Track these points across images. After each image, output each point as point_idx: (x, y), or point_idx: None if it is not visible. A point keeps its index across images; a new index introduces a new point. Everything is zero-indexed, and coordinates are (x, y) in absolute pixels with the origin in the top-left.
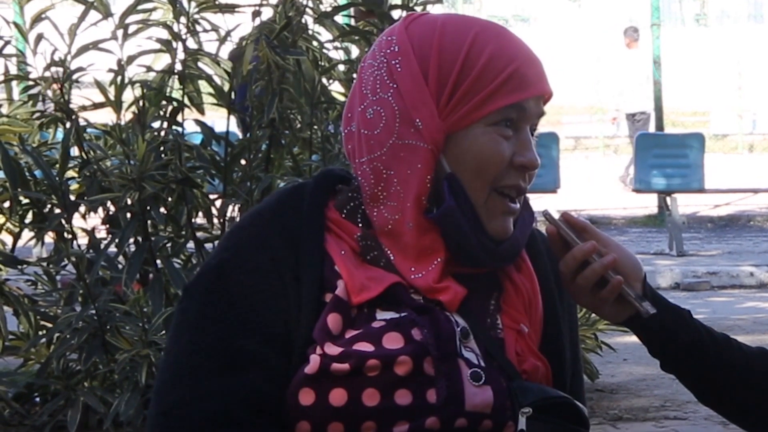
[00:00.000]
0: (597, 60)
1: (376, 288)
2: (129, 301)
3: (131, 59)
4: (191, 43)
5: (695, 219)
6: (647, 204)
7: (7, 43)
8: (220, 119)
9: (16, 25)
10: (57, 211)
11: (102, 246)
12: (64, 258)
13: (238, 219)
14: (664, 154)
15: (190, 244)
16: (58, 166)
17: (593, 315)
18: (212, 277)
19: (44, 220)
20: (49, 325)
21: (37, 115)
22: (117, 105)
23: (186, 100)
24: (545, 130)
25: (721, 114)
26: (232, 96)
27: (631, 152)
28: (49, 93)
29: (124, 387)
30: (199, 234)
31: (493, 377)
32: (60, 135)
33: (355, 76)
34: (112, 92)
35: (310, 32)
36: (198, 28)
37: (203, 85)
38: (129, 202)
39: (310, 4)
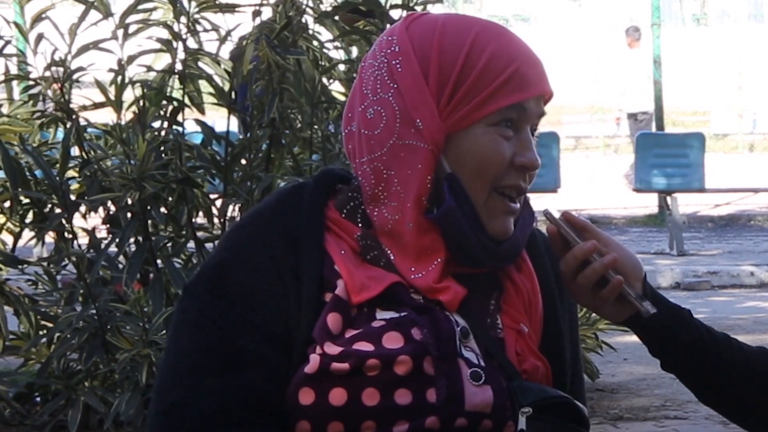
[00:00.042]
0: (597, 60)
1: (376, 287)
2: (129, 300)
3: (131, 59)
4: (191, 43)
5: (696, 218)
6: (648, 203)
7: (8, 42)
8: (220, 119)
9: (17, 24)
10: (57, 210)
11: (102, 246)
12: (64, 258)
13: (238, 219)
14: (665, 153)
15: (191, 244)
16: (58, 165)
17: (593, 314)
18: (212, 277)
19: (45, 219)
20: (50, 324)
21: (37, 114)
22: (117, 105)
23: (186, 100)
24: (545, 129)
25: (721, 114)
26: (233, 96)
27: (632, 152)
28: (50, 93)
29: (124, 387)
30: (199, 234)
31: (493, 377)
32: (60, 135)
33: (355, 75)
34: (112, 92)
35: (311, 32)
36: (198, 27)
37: (204, 84)
38: (129, 201)
39: (311, 4)
